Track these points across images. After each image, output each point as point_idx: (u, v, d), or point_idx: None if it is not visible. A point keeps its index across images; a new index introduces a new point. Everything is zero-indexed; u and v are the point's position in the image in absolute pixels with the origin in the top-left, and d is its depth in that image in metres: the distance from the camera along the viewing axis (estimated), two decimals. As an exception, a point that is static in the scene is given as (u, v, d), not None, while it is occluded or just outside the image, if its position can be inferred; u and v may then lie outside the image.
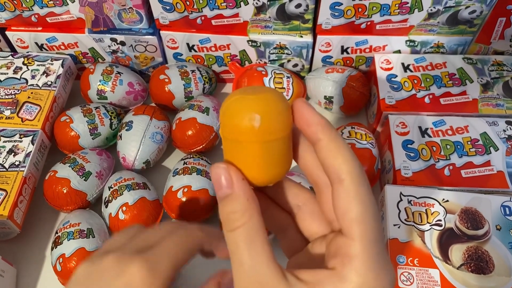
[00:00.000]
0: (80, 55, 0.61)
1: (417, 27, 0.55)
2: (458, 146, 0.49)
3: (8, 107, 0.54)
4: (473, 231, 0.43)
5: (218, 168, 0.22)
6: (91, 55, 0.61)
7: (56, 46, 0.60)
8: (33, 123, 0.53)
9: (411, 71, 0.56)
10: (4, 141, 0.51)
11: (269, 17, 0.54)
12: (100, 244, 0.46)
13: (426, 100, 0.53)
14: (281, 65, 0.61)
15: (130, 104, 0.60)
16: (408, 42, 0.57)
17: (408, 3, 0.52)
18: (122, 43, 0.59)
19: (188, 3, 0.53)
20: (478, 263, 0.41)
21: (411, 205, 0.45)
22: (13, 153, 0.50)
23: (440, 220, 0.44)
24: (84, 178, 0.49)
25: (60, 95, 0.58)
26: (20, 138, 0.52)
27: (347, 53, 0.59)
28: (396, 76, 0.55)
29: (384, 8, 0.52)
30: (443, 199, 0.45)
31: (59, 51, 0.61)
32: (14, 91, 0.56)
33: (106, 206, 0.48)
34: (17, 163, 0.50)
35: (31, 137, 0.52)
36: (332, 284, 0.20)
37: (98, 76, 0.58)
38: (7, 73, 0.57)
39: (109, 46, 0.59)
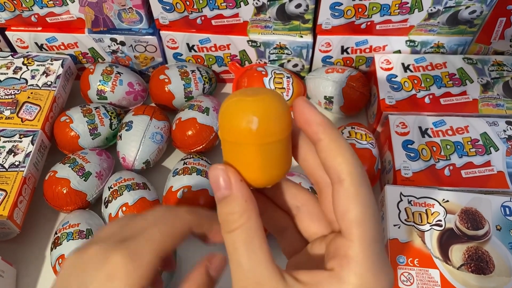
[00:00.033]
0: (80, 55, 0.61)
1: (417, 27, 0.55)
2: (458, 146, 0.49)
3: (8, 107, 0.54)
4: (473, 231, 0.43)
5: (216, 169, 0.22)
6: (91, 55, 0.61)
7: (56, 46, 0.60)
8: (33, 123, 0.53)
9: (411, 71, 0.56)
10: (4, 141, 0.51)
11: (269, 17, 0.54)
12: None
13: (426, 100, 0.53)
14: (281, 65, 0.61)
15: (130, 104, 0.60)
16: (408, 42, 0.57)
17: (408, 3, 0.52)
18: (122, 43, 0.59)
19: (188, 3, 0.53)
20: (478, 264, 0.41)
21: (411, 205, 0.45)
22: (13, 153, 0.50)
23: (440, 220, 0.44)
24: (84, 178, 0.49)
25: (60, 95, 0.58)
26: (20, 138, 0.52)
27: (347, 53, 0.59)
28: (396, 76, 0.55)
29: (384, 8, 0.52)
30: (443, 199, 0.45)
31: (59, 51, 0.61)
32: (14, 91, 0.56)
33: (106, 207, 0.48)
34: (17, 163, 0.50)
35: (31, 137, 0.52)
36: (330, 286, 0.20)
37: (98, 76, 0.58)
38: (7, 73, 0.57)
39: (109, 46, 0.59)
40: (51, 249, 0.46)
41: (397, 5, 0.52)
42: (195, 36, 0.58)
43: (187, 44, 0.59)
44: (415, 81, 0.55)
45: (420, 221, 0.44)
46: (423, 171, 0.48)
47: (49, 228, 0.51)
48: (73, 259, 0.24)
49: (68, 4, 0.55)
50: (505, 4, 0.52)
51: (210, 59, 0.61)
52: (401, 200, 0.45)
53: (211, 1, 0.53)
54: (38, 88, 0.56)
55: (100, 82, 0.58)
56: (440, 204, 0.45)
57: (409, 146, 0.50)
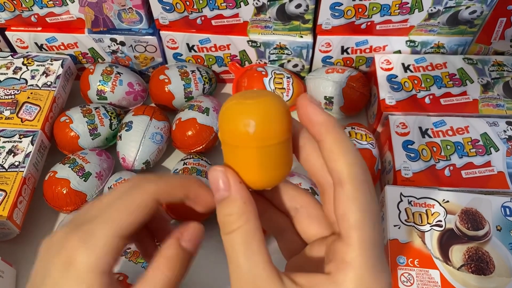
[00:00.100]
0: (80, 55, 0.61)
1: (418, 27, 0.55)
2: (459, 147, 0.49)
3: (7, 108, 0.54)
4: (474, 231, 0.43)
5: (215, 171, 0.22)
6: (90, 55, 0.61)
7: (56, 46, 0.60)
8: (32, 123, 0.53)
9: (412, 71, 0.56)
10: (4, 142, 0.51)
11: (269, 17, 0.54)
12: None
13: (427, 100, 0.53)
14: (281, 65, 0.61)
15: (130, 104, 0.60)
16: (408, 43, 0.57)
17: (408, 3, 0.52)
18: (122, 43, 0.59)
19: (188, 3, 0.53)
20: (479, 264, 0.41)
21: (411, 205, 0.44)
22: (12, 154, 0.50)
23: (440, 221, 0.44)
24: (83, 178, 0.49)
25: (60, 95, 0.58)
26: (20, 138, 0.52)
27: (347, 53, 0.59)
28: (397, 76, 0.55)
29: (384, 8, 0.52)
30: (444, 200, 0.45)
31: (59, 51, 0.61)
32: (13, 92, 0.56)
33: (106, 207, 0.48)
34: (16, 163, 0.50)
35: (31, 137, 0.52)
36: None
37: (98, 76, 0.58)
38: (7, 73, 0.57)
39: (108, 46, 0.59)
40: (51, 250, 0.46)
41: (397, 5, 0.52)
42: (195, 36, 0.58)
43: (187, 44, 0.59)
44: (415, 81, 0.55)
45: (420, 222, 0.44)
46: (423, 172, 0.48)
47: (49, 229, 0.51)
48: (43, 246, 0.24)
49: (68, 4, 0.55)
50: (505, 4, 0.52)
51: (210, 59, 0.61)
52: (401, 200, 0.45)
53: (211, 1, 0.52)
54: (38, 88, 0.56)
55: (100, 82, 0.58)
56: (440, 205, 0.44)
57: (409, 146, 0.49)
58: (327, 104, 0.59)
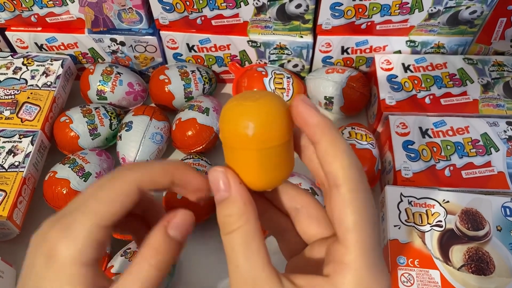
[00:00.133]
0: (80, 55, 0.61)
1: (418, 27, 0.55)
2: (459, 147, 0.49)
3: (7, 108, 0.54)
4: (474, 232, 0.43)
5: (216, 171, 0.22)
6: (90, 55, 0.61)
7: (56, 46, 0.60)
8: (32, 123, 0.53)
9: (412, 71, 0.56)
10: (4, 142, 0.51)
11: (269, 17, 0.54)
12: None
13: (427, 100, 0.53)
14: (281, 65, 0.61)
15: (130, 104, 0.60)
16: (408, 43, 0.57)
17: (408, 3, 0.52)
18: (122, 44, 0.59)
19: (188, 3, 0.53)
20: (479, 264, 0.41)
21: (412, 206, 0.44)
22: (12, 154, 0.50)
23: (440, 221, 0.44)
24: (83, 178, 0.49)
25: (60, 95, 0.58)
26: (20, 138, 0.52)
27: (348, 53, 0.59)
28: (397, 76, 0.55)
29: (385, 9, 0.52)
30: (444, 200, 0.45)
31: (59, 52, 0.61)
32: (13, 92, 0.55)
33: (106, 207, 0.48)
34: (16, 163, 0.50)
35: (31, 137, 0.52)
36: None
37: (98, 76, 0.58)
38: (7, 74, 0.57)
39: (108, 47, 0.59)
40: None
41: (397, 5, 0.52)
42: (195, 36, 0.58)
43: (187, 44, 0.59)
44: (416, 82, 0.55)
45: (420, 222, 0.44)
46: (424, 172, 0.48)
47: (49, 229, 0.51)
48: (31, 240, 0.23)
49: (68, 4, 0.55)
50: (505, 4, 0.52)
51: (210, 59, 0.61)
52: (401, 200, 0.45)
53: (211, 1, 0.52)
54: (38, 88, 0.56)
55: (100, 82, 0.58)
56: (441, 205, 0.44)
57: (409, 146, 0.49)
58: (327, 104, 0.59)
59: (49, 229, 0.22)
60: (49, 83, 0.57)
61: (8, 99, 0.55)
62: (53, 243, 0.21)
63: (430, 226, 0.43)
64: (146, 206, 0.26)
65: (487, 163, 0.48)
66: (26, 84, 0.56)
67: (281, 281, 0.20)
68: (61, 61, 0.59)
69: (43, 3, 0.55)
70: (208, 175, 0.22)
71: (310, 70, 0.62)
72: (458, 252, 0.42)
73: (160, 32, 0.57)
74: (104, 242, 0.22)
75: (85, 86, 0.58)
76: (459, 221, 0.43)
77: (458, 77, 0.55)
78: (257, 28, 0.56)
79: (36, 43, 0.60)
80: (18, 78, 0.57)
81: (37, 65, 0.58)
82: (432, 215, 0.44)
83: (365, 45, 0.57)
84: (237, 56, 0.60)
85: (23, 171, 0.49)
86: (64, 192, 0.48)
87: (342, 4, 0.52)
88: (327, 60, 0.60)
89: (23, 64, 0.58)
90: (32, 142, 0.51)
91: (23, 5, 0.55)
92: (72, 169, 0.49)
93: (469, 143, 0.49)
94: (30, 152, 0.51)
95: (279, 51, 0.58)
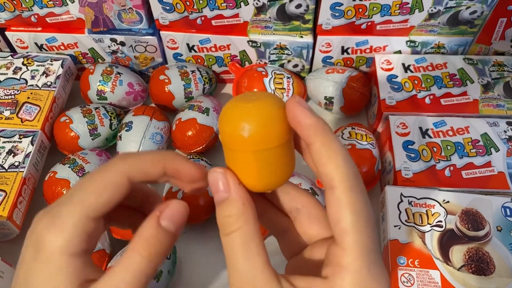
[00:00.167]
0: (80, 55, 0.61)
1: (418, 27, 0.55)
2: (459, 147, 0.49)
3: (7, 108, 0.54)
4: (474, 232, 0.43)
5: (215, 172, 0.22)
6: (91, 55, 0.61)
7: (56, 46, 0.60)
8: (32, 123, 0.53)
9: (412, 71, 0.56)
10: (4, 142, 0.51)
11: (269, 17, 0.54)
12: (99, 245, 0.46)
13: (427, 100, 0.53)
14: (281, 65, 0.61)
15: (130, 104, 0.60)
16: (408, 43, 0.57)
17: (408, 3, 0.51)
18: (122, 44, 0.59)
19: (188, 3, 0.53)
20: (479, 264, 0.41)
21: (412, 206, 0.44)
22: (12, 154, 0.50)
23: (440, 221, 0.44)
24: (83, 178, 0.49)
25: (60, 95, 0.58)
26: (20, 138, 0.52)
27: (348, 53, 0.59)
28: (397, 76, 0.55)
29: (385, 9, 0.52)
30: (444, 200, 0.45)
31: (59, 52, 0.61)
32: (13, 92, 0.55)
33: (106, 207, 0.48)
34: (16, 163, 0.50)
35: (31, 137, 0.52)
36: None
37: (98, 76, 0.58)
38: (7, 74, 0.57)
39: (109, 47, 0.59)
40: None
41: (397, 6, 0.52)
42: (195, 36, 0.58)
43: (187, 45, 0.59)
44: (416, 82, 0.55)
45: (420, 222, 0.43)
46: (424, 172, 0.48)
47: (49, 229, 0.51)
48: (28, 232, 0.23)
49: (68, 4, 0.55)
50: (505, 4, 0.52)
51: (210, 60, 0.61)
52: (402, 201, 0.45)
53: (211, 1, 0.52)
54: (38, 88, 0.56)
55: (100, 82, 0.58)
56: (441, 205, 0.44)
57: (409, 146, 0.49)
58: (327, 104, 0.59)
59: (38, 219, 0.22)
60: (49, 83, 0.57)
61: (8, 99, 0.55)
62: (41, 234, 0.21)
63: (430, 226, 0.43)
64: (145, 199, 0.26)
65: (487, 163, 0.48)
66: (26, 84, 0.56)
67: (280, 282, 0.20)
68: (61, 61, 0.59)
69: (43, 3, 0.55)
70: (208, 175, 0.22)
71: (310, 70, 0.62)
72: (458, 252, 0.42)
73: (160, 32, 0.57)
74: (93, 233, 0.22)
75: (85, 86, 0.58)
76: (459, 221, 0.43)
77: (458, 77, 0.55)
78: (257, 28, 0.56)
79: (36, 43, 0.60)
80: (18, 78, 0.57)
81: (37, 65, 0.58)
82: (432, 215, 0.44)
83: (365, 45, 0.57)
84: (237, 56, 0.60)
85: (23, 171, 0.49)
86: (64, 192, 0.48)
87: (342, 4, 0.52)
88: (327, 60, 0.60)
89: (23, 64, 0.58)
90: (32, 142, 0.51)
91: (23, 5, 0.55)
92: (72, 169, 0.49)
93: (469, 143, 0.49)
94: (30, 152, 0.51)
95: (279, 51, 0.58)
